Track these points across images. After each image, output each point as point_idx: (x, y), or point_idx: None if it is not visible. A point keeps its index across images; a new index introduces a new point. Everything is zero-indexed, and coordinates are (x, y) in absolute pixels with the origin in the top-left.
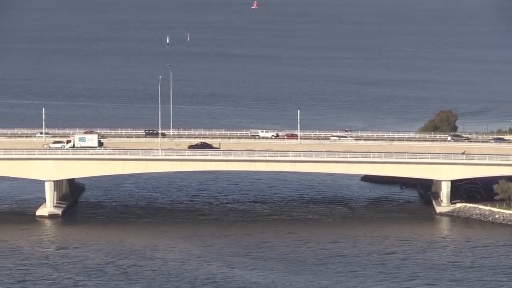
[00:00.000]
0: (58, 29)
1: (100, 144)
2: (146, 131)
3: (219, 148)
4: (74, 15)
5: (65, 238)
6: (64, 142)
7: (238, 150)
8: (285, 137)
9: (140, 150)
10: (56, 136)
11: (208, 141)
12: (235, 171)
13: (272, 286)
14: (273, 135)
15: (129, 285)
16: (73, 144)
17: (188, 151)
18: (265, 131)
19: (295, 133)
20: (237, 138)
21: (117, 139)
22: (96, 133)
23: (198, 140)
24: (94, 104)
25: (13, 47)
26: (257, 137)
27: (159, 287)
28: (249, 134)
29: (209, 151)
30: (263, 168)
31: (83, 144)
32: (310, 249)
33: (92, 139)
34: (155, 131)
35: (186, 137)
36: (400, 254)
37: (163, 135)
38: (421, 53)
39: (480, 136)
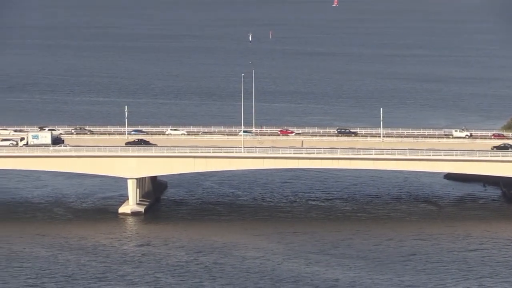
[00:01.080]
0: (141, 27)
1: (60, 141)
2: (338, 130)
3: (156, 145)
4: (157, 13)
5: (147, 236)
6: (13, 140)
7: (321, 148)
8: (492, 137)
9: (223, 148)
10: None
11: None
12: (318, 168)
13: (353, 283)
14: (467, 135)
15: (211, 282)
16: (27, 142)
17: (271, 148)
18: (459, 131)
19: (503, 133)
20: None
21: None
22: (50, 130)
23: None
24: (176, 101)
25: (96, 44)
26: (450, 136)
27: (240, 284)
28: (442, 133)
29: (292, 149)
30: (346, 166)
31: (36, 141)
32: (391, 247)
33: (45, 137)
34: (347, 130)
35: (269, 135)
36: (482, 251)
37: (355, 134)
38: (501, 51)
39: None
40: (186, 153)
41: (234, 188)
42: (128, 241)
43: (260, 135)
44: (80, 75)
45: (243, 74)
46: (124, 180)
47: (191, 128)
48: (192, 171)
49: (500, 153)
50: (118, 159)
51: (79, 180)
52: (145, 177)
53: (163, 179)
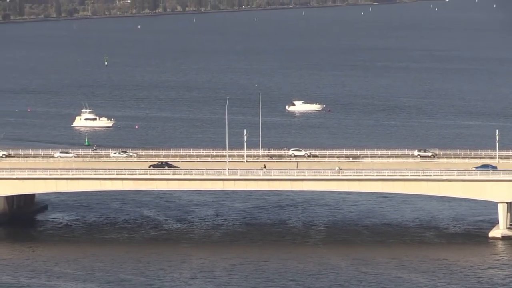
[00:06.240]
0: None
1: None
2: None
3: None
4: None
5: None
6: None
7: None
8: None
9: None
10: None
11: None
12: None
13: None
14: None
15: None
16: None
17: None
18: None
19: None
20: None
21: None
22: None
23: None
24: None
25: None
26: None
27: None
28: None
29: None
30: None
31: None
32: None
33: None
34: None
35: None
36: None
37: None
38: None
39: None
40: None
41: None
42: (496, 265)
43: None
44: (445, 98)
45: None
46: (494, 204)
47: None
48: None
49: None
50: (489, 183)
51: (450, 204)
52: None
53: None
